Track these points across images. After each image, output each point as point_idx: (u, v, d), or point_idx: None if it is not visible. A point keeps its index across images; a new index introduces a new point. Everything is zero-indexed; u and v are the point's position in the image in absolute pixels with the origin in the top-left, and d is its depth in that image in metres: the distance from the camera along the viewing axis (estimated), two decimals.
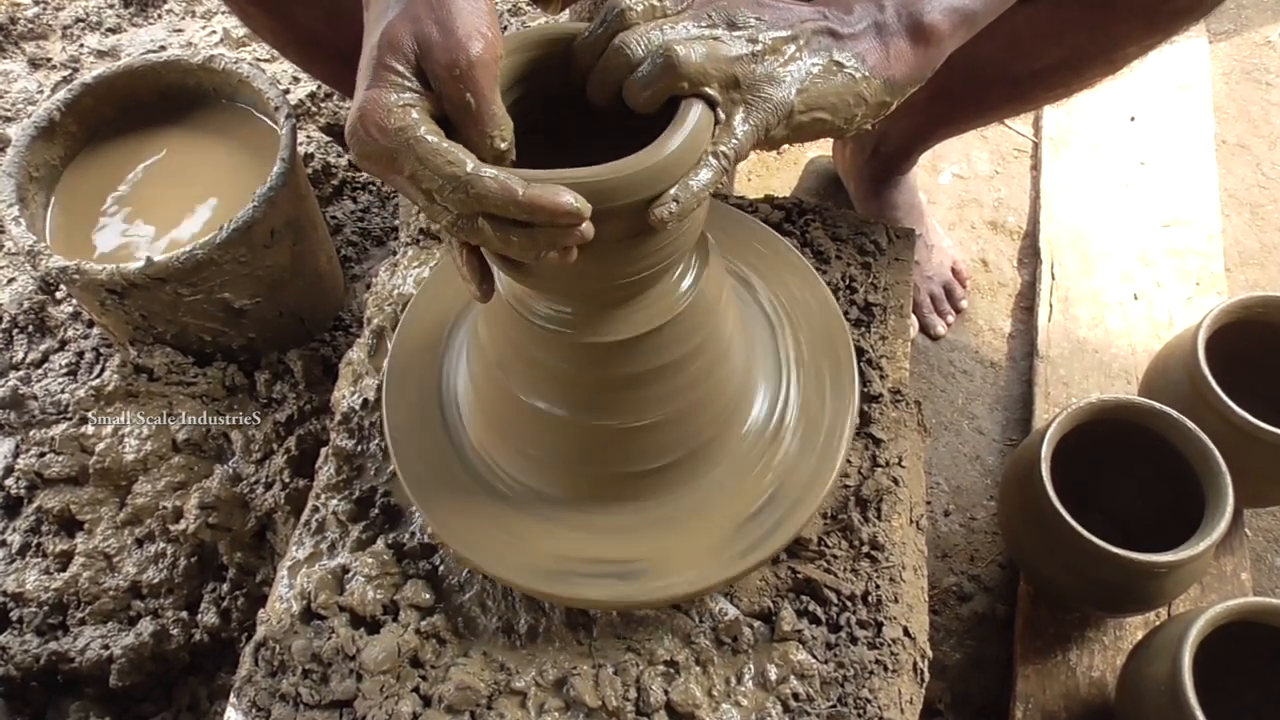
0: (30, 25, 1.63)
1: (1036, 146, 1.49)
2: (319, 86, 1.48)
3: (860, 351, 0.84)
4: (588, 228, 0.49)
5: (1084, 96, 1.36)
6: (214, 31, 1.59)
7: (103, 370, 1.17)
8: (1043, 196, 1.42)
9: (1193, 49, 1.55)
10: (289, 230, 1.12)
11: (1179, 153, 1.44)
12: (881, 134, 1.26)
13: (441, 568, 0.75)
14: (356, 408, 0.84)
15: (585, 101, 0.56)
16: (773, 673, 0.69)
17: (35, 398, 1.16)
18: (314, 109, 1.48)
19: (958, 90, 1.10)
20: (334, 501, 0.79)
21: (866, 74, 0.57)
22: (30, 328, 1.25)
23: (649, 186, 0.51)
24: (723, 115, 0.54)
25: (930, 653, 0.75)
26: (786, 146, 1.49)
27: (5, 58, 1.60)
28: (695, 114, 0.52)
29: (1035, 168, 1.48)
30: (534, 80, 0.57)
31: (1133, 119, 1.48)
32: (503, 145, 0.52)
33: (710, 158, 0.53)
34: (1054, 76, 1.03)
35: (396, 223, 1.40)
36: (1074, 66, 1.01)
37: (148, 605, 1.06)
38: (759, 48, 0.54)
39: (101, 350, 1.21)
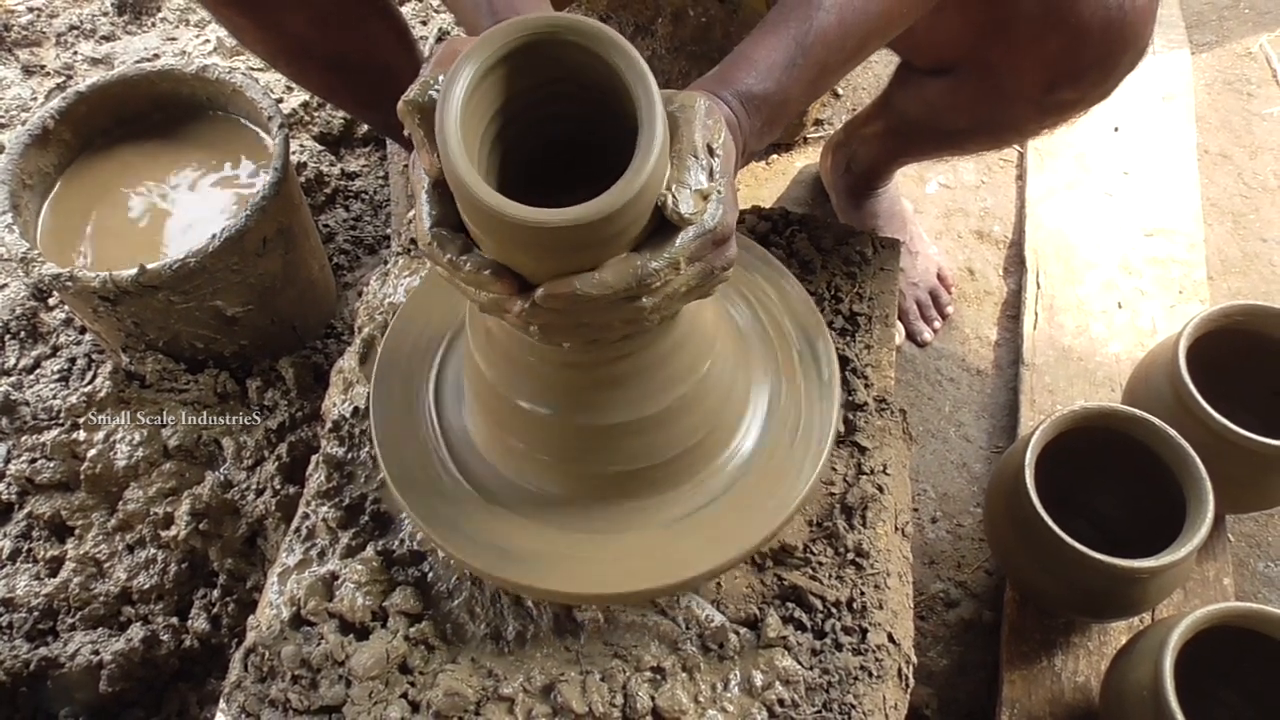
0: (24, 32, 1.63)
1: (1022, 156, 1.51)
2: (312, 95, 1.49)
3: (845, 360, 0.85)
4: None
5: None
6: (207, 40, 1.60)
7: (94, 377, 1.17)
8: (1028, 206, 1.43)
9: (1175, 60, 1.57)
10: (281, 238, 1.12)
11: (1162, 162, 1.46)
12: (851, 155, 1.30)
13: (430, 574, 0.76)
14: (347, 415, 0.84)
15: (577, 92, 0.56)
16: (758, 679, 0.70)
17: (27, 403, 1.17)
18: (307, 118, 1.48)
19: (903, 132, 1.18)
20: (324, 508, 0.80)
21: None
22: (22, 334, 1.26)
23: (613, 224, 0.52)
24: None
25: (915, 658, 0.75)
26: (775, 156, 1.51)
27: None
28: (656, 148, 0.52)
29: (1021, 177, 1.49)
30: (523, 72, 0.56)
31: (1117, 129, 1.50)
32: None
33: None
34: (975, 138, 1.11)
35: (389, 231, 1.41)
36: (989, 132, 1.09)
37: (138, 611, 1.06)
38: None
39: (93, 357, 1.22)
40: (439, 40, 1.59)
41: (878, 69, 1.62)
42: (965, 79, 0.99)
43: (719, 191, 0.56)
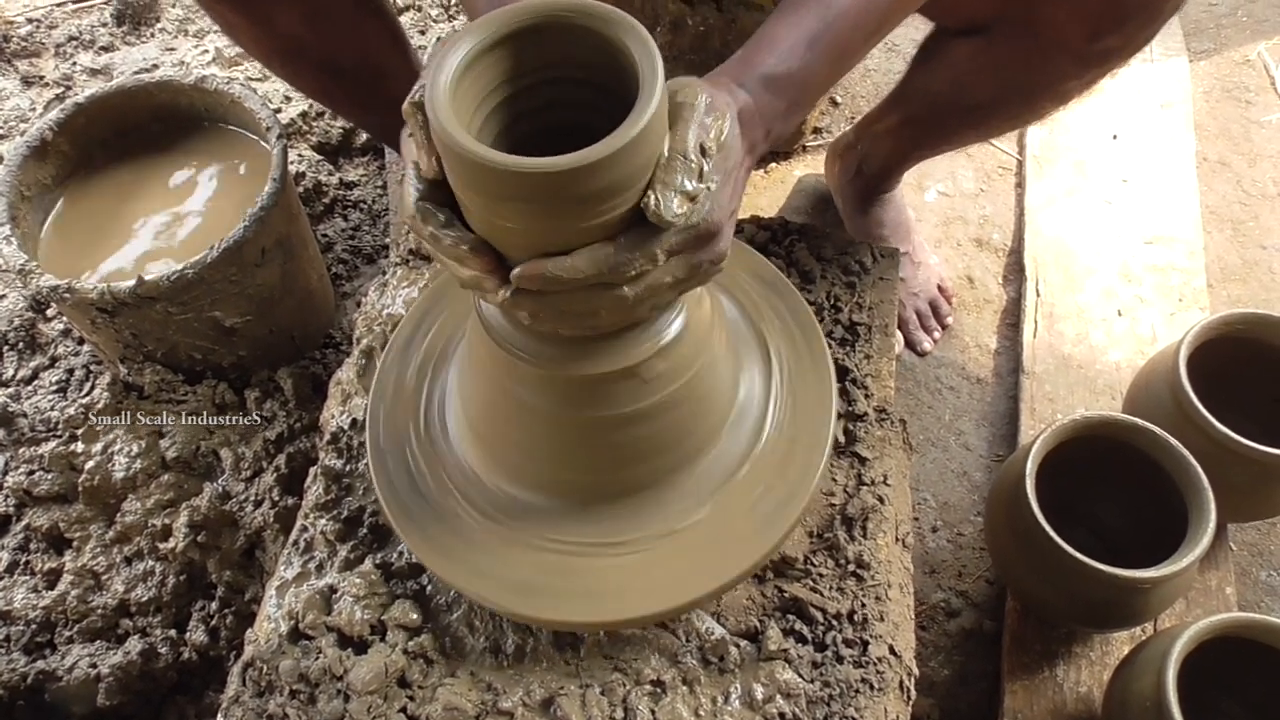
0: (23, 43, 1.64)
1: (1021, 164, 1.51)
2: (310, 105, 1.49)
3: (845, 370, 0.85)
4: None
5: (1067, 115, 1.39)
6: (206, 50, 1.60)
7: (93, 388, 1.17)
8: (1027, 214, 1.43)
9: (1173, 68, 1.57)
10: (280, 249, 1.12)
11: (1161, 170, 1.46)
12: (864, 155, 1.28)
13: (429, 587, 0.76)
14: (345, 427, 0.84)
15: (583, 81, 0.56)
16: (759, 692, 0.69)
17: (24, 415, 1.16)
18: (305, 128, 1.49)
19: (923, 117, 1.14)
20: (322, 521, 0.79)
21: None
22: (20, 345, 1.26)
23: (612, 171, 0.51)
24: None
25: (916, 670, 0.75)
26: (774, 165, 1.51)
27: None
28: (653, 104, 0.51)
29: (1020, 185, 1.49)
30: (526, 55, 0.55)
31: (1115, 137, 1.50)
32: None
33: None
34: (1004, 108, 1.07)
35: (387, 241, 1.41)
36: (1021, 98, 1.05)
37: (136, 624, 1.06)
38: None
39: (91, 368, 1.21)
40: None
41: (877, 77, 1.62)
42: (1000, 36, 0.95)
43: (708, 189, 0.55)
